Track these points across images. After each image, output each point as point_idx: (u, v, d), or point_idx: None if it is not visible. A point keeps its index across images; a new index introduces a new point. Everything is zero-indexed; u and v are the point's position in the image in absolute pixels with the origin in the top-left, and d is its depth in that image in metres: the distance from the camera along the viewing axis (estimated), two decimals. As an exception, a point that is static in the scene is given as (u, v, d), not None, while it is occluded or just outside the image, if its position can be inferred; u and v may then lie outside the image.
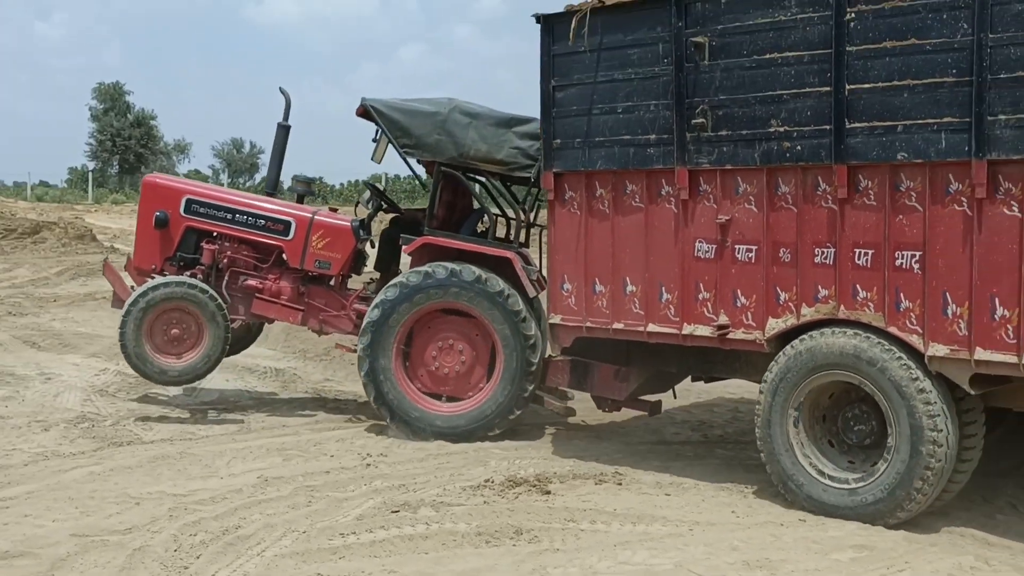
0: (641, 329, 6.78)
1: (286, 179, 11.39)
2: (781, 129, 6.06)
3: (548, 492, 6.25)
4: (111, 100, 57.33)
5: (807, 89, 5.95)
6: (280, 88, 8.97)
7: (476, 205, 8.92)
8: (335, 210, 9.33)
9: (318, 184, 40.27)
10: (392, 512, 5.74)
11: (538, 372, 7.79)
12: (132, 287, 8.62)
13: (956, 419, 5.69)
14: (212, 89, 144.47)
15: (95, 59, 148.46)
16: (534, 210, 8.96)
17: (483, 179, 8.94)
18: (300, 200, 9.22)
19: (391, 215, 9.31)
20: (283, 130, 9.03)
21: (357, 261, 8.85)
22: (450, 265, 7.87)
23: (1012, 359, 5.33)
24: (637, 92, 6.67)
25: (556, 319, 7.20)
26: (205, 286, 8.28)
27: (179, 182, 9.91)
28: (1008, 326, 5.33)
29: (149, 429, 8.04)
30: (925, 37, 5.52)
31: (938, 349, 5.57)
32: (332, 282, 8.72)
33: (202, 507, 5.88)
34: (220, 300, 8.25)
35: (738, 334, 6.35)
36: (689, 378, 7.67)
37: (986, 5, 5.29)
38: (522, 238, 8.66)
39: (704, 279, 6.49)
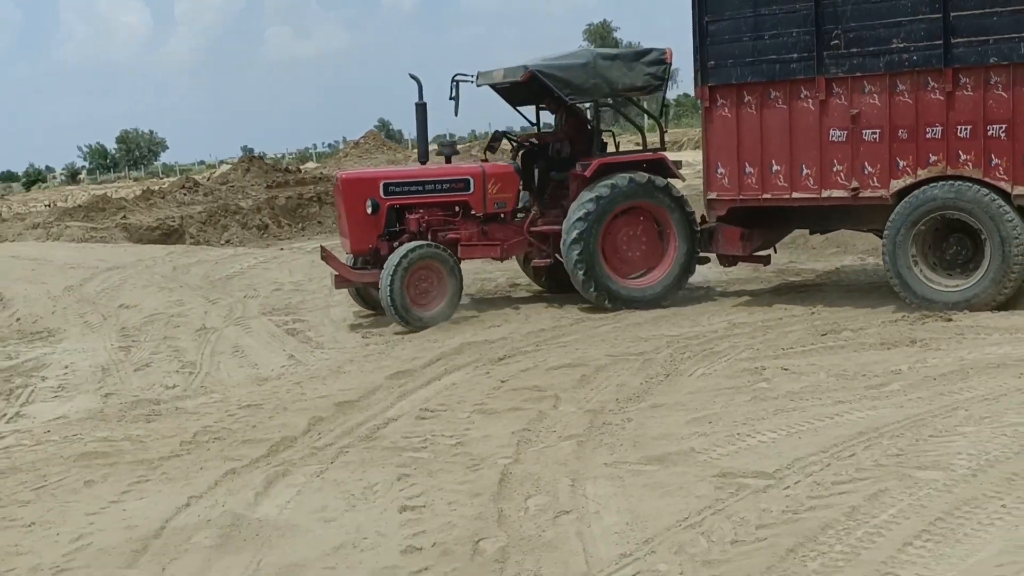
0: (787, 196, 9.57)
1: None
2: (901, 45, 8.95)
3: (950, 319, 8.48)
4: (599, 39, 62.46)
5: (920, 16, 8.86)
6: (410, 74, 10.68)
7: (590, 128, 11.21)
8: (484, 160, 11.41)
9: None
10: (820, 335, 8.29)
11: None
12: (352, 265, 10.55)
13: None
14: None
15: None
16: (663, 118, 11.62)
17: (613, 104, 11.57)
18: (448, 160, 11.31)
19: (521, 149, 11.56)
20: (421, 108, 10.73)
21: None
22: (627, 174, 10.28)
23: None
24: (782, 23, 9.41)
25: (713, 195, 9.94)
26: (443, 247, 10.13)
27: (371, 172, 12.06)
28: None
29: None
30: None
31: (1020, 190, 8.69)
32: (503, 216, 10.71)
33: (688, 340, 8.48)
34: (455, 256, 10.14)
35: (867, 193, 9.20)
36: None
37: None
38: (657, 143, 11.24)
39: (838, 156, 9.29)
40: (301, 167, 39.61)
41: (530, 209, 10.86)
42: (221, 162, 74.36)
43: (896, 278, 9.09)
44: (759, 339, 8.37)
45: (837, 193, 9.35)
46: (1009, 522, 4.28)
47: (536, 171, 11.10)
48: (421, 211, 10.46)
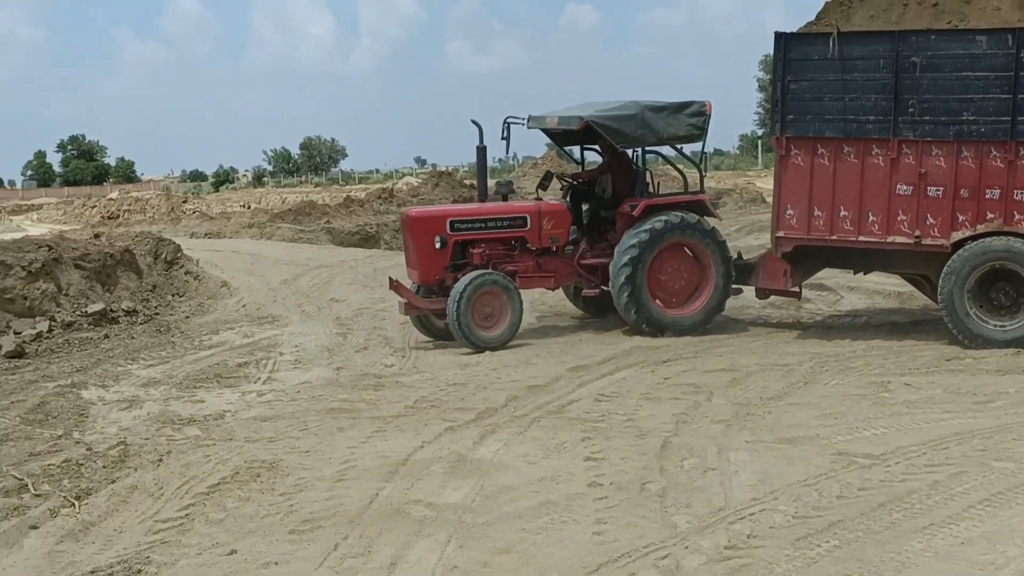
0: (853, 239, 10.87)
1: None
2: (971, 118, 10.24)
3: None
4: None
5: (990, 95, 10.16)
6: (472, 120, 12.12)
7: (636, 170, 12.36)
8: (539, 198, 12.59)
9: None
10: (945, 360, 9.79)
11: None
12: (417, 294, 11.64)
13: None
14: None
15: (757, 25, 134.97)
16: (703, 164, 12.72)
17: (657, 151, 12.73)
18: (504, 199, 12.52)
19: (570, 189, 12.72)
20: (481, 152, 12.13)
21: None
22: (676, 214, 11.50)
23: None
24: (862, 88, 10.70)
25: (781, 233, 11.19)
26: (499, 274, 11.27)
27: (437, 210, 13.32)
28: None
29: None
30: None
31: None
32: (556, 250, 11.89)
33: (828, 357, 10.06)
34: (515, 284, 11.35)
35: (927, 241, 10.54)
36: None
37: None
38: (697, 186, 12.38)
39: (903, 207, 10.59)
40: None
41: (579, 243, 12.00)
42: (396, 171, 78.09)
43: (950, 315, 10.34)
44: (891, 360, 9.72)
45: (900, 239, 10.63)
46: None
47: (584, 208, 12.30)
48: (483, 245, 11.59)
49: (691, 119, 11.85)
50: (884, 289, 14.10)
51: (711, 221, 11.80)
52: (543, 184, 12.71)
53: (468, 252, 11.62)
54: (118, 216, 38.25)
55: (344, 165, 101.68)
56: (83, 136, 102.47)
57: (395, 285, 11.49)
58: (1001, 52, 10.03)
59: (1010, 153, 10.07)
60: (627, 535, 5.38)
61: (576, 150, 13.49)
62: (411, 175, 61.27)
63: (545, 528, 5.55)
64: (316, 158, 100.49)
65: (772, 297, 12.35)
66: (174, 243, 17.16)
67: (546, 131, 12.69)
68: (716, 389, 8.62)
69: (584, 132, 12.03)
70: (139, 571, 5.22)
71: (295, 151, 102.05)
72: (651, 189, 12.15)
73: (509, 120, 12.23)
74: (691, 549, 5.17)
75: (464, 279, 11.10)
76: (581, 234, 12.15)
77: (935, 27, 10.59)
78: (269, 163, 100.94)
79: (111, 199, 45.73)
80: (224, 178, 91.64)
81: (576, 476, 6.41)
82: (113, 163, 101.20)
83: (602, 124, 11.56)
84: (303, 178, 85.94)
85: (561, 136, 12.99)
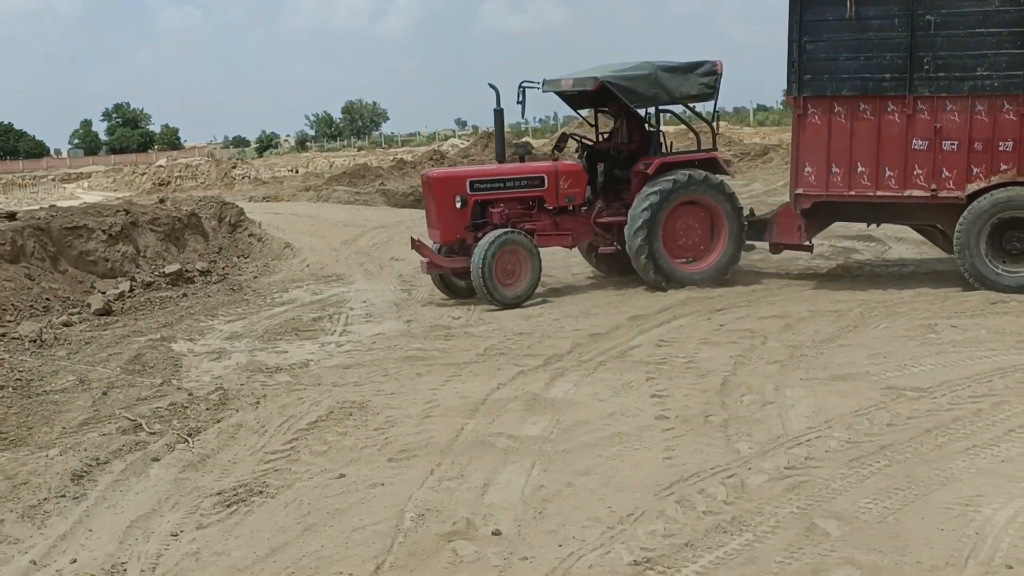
0: (871, 194, 11.29)
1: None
2: (985, 72, 10.65)
3: None
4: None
5: (1003, 50, 10.56)
6: (489, 83, 12.36)
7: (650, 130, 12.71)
8: (556, 156, 12.92)
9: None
10: (991, 303, 10.28)
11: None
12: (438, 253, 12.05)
13: None
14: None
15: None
16: (715, 121, 13.02)
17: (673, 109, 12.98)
18: (522, 160, 13.15)
19: (585, 149, 13.14)
20: (499, 114, 12.45)
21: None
22: (686, 171, 11.90)
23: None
24: (877, 47, 11.07)
25: (800, 191, 11.63)
26: (520, 232, 11.68)
27: (457, 171, 13.98)
28: None
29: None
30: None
31: None
32: (572, 209, 12.31)
33: (877, 303, 10.56)
34: (535, 242, 11.78)
35: (943, 193, 10.98)
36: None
37: None
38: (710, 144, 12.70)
39: (919, 161, 11.03)
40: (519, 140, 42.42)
41: (595, 203, 12.44)
42: (437, 133, 78.56)
43: (966, 264, 10.85)
44: (938, 305, 10.20)
45: (917, 193, 11.09)
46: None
47: (599, 169, 12.63)
48: (502, 205, 12.02)
49: (703, 78, 12.25)
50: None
51: (721, 177, 12.16)
52: (558, 146, 13.12)
53: (488, 212, 12.06)
54: (169, 182, 39.26)
55: (385, 128, 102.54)
56: (127, 104, 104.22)
57: (417, 244, 11.96)
58: (1013, 8, 10.50)
59: (1022, 106, 10.49)
60: (695, 459, 5.98)
61: (592, 113, 13.80)
62: (455, 137, 61.88)
63: (620, 454, 6.16)
64: (358, 122, 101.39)
65: (820, 248, 12.81)
66: (237, 207, 17.92)
67: (561, 94, 13.03)
68: (770, 334, 9.16)
69: (598, 95, 12.43)
70: (260, 491, 5.89)
71: (336, 115, 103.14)
72: (664, 149, 12.54)
73: (524, 84, 12.62)
74: (754, 470, 5.75)
75: (487, 238, 11.53)
76: (596, 194, 12.58)
77: None
78: (312, 128, 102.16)
79: (160, 166, 46.81)
80: (267, 143, 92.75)
81: (644, 411, 7.01)
82: (157, 130, 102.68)
83: (616, 84, 11.92)
84: (346, 142, 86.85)
85: (575, 98, 13.34)
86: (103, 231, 13.78)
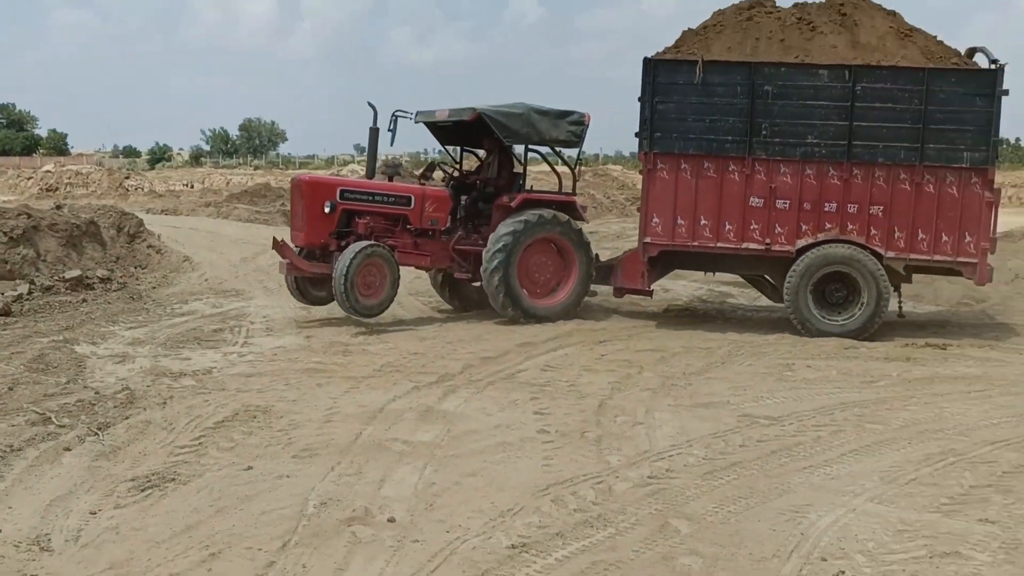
0: (712, 245, 12.49)
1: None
2: (814, 140, 12.06)
3: (945, 347, 11.56)
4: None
5: (830, 121, 11.98)
6: (368, 102, 13.02)
7: (518, 169, 13.65)
8: (423, 182, 13.47)
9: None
10: (844, 348, 11.34)
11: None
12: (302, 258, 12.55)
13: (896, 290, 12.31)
14: None
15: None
16: (578, 168, 13.78)
17: (541, 152, 13.90)
18: (390, 179, 13.42)
19: (452, 180, 13.83)
20: (374, 132, 13.05)
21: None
22: (548, 211, 12.78)
23: (926, 258, 11.92)
24: (722, 111, 12.32)
25: (648, 239, 12.70)
26: (385, 247, 12.27)
27: (330, 179, 14.48)
28: (923, 242, 11.75)
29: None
30: (895, 102, 11.77)
31: (891, 254, 11.92)
32: (433, 233, 13.01)
33: (744, 343, 12.18)
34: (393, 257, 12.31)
35: (776, 247, 12.28)
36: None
37: (928, 91, 11.59)
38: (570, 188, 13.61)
39: (755, 217, 12.30)
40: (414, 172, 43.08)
41: (456, 230, 13.13)
42: (335, 158, 78.62)
43: (794, 312, 12.15)
44: (798, 348, 11.29)
45: (753, 246, 12.37)
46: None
47: (463, 200, 13.33)
48: (368, 218, 12.57)
49: (571, 126, 13.18)
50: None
51: (579, 224, 13.03)
52: (426, 174, 13.77)
53: (354, 222, 12.58)
54: (57, 188, 38.77)
55: (283, 149, 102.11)
56: (13, 105, 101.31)
57: (279, 245, 12.38)
58: (839, 85, 11.87)
59: (845, 172, 11.97)
60: (570, 467, 6.76)
61: (458, 151, 14.67)
62: (353, 163, 62.20)
63: (504, 460, 6.91)
64: (256, 140, 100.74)
65: (699, 291, 13.86)
66: (137, 217, 18.21)
67: (432, 126, 13.78)
68: (646, 365, 10.06)
69: (469, 129, 13.23)
70: (172, 479, 6.44)
71: (233, 132, 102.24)
72: (526, 188, 13.36)
73: (397, 113, 13.31)
74: (621, 478, 6.56)
75: (354, 247, 12.00)
76: (457, 223, 13.24)
77: (784, 60, 12.25)
78: (207, 143, 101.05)
79: (48, 171, 45.98)
80: (159, 155, 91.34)
81: (527, 425, 7.78)
82: (44, 134, 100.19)
83: (492, 118, 12.65)
84: (242, 160, 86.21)
85: (445, 132, 14.13)
86: (3, 232, 14.00)
